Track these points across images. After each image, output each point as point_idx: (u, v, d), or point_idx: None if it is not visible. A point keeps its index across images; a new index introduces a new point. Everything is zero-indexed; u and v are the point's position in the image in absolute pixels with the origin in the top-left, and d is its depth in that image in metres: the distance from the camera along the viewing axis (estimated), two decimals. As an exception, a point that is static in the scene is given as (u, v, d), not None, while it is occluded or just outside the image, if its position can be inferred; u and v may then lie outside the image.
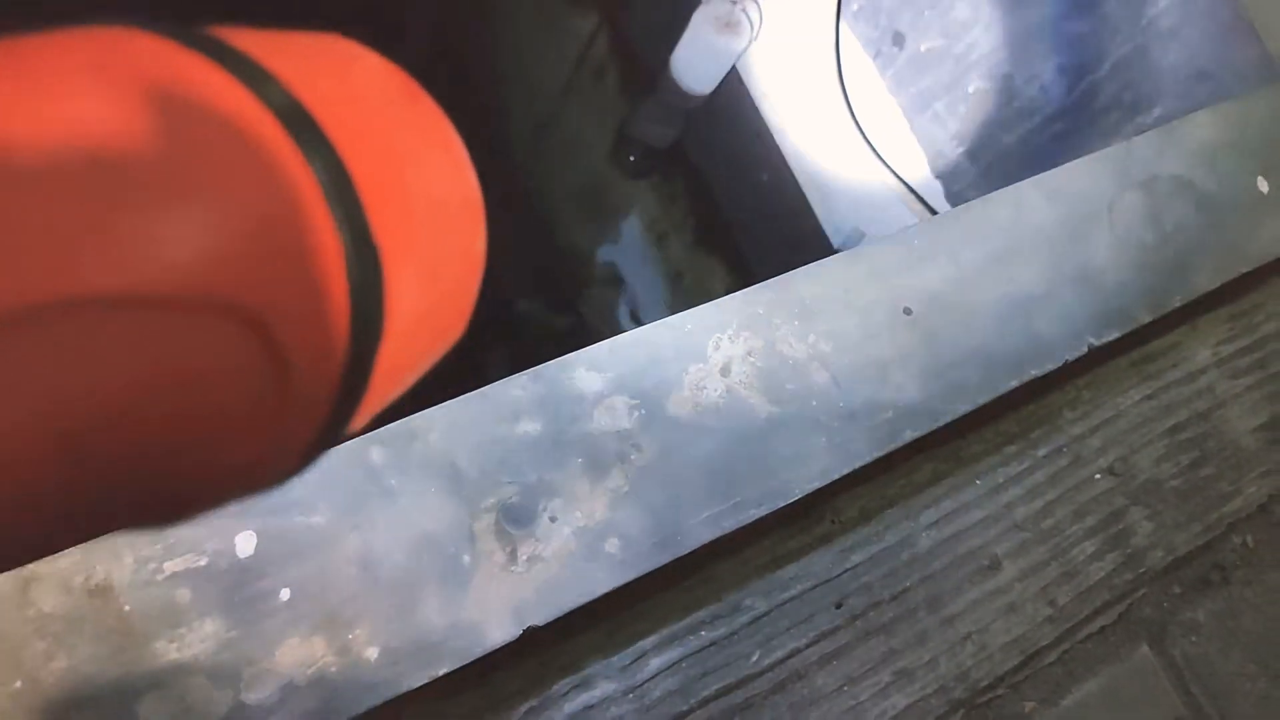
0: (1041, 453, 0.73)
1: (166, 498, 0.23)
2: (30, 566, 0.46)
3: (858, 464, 0.58)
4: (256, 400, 0.23)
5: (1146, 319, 0.67)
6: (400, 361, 0.27)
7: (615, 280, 1.58)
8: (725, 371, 0.58)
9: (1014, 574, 0.69)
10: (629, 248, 1.56)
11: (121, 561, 0.47)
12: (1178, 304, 0.68)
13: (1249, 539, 0.77)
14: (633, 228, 1.54)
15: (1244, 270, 0.71)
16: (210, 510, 0.24)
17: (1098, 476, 0.73)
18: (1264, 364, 0.81)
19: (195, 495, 0.24)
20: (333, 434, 0.25)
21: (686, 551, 0.54)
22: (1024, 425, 0.73)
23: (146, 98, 0.22)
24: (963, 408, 0.61)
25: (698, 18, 1.23)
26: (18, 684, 0.44)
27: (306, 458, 0.25)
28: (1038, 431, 0.73)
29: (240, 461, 0.23)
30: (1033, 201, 0.68)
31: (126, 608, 0.46)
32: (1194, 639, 0.73)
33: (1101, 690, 0.70)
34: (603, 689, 0.58)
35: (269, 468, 0.25)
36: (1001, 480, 0.71)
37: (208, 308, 0.21)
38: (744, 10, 1.20)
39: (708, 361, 0.58)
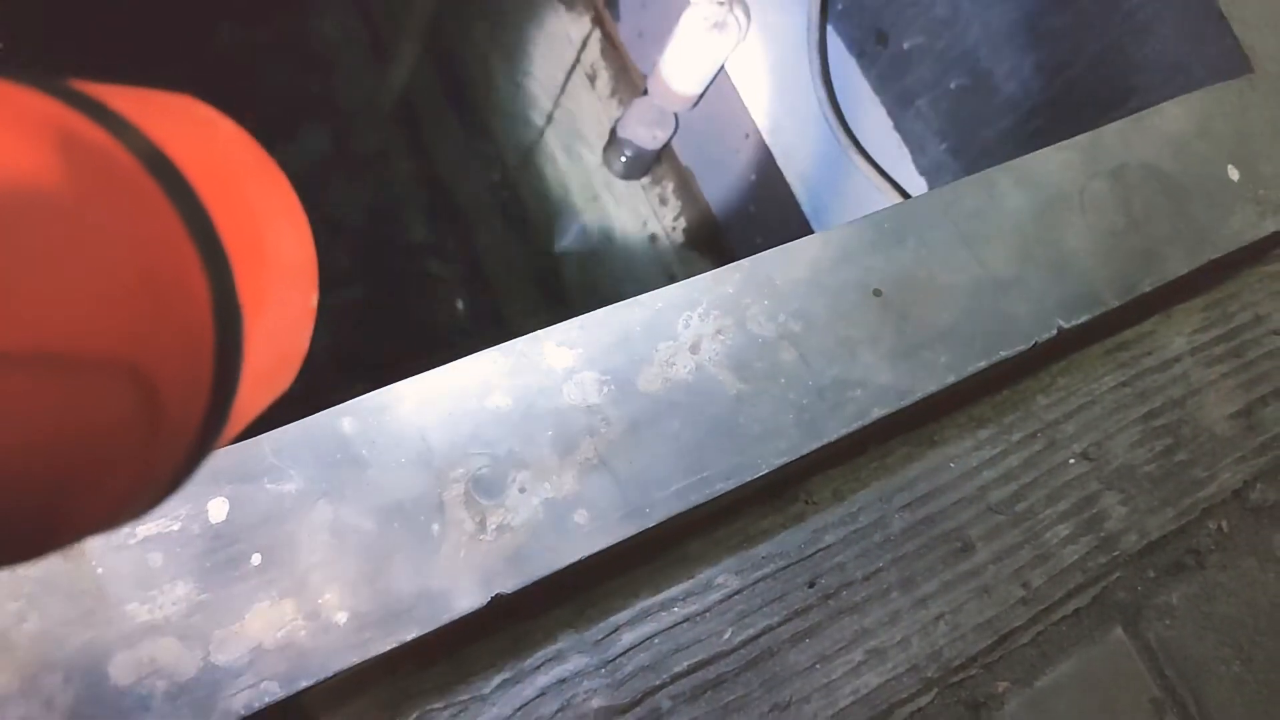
0: (1015, 437, 0.73)
1: (37, 535, 0.23)
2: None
3: (825, 441, 0.59)
4: (128, 442, 0.23)
5: (1115, 303, 0.68)
6: (244, 407, 0.28)
7: (607, 280, 1.59)
8: (695, 349, 0.59)
9: (987, 556, 0.70)
10: (621, 248, 1.57)
11: (95, 526, 0.47)
12: (1147, 289, 0.69)
13: (1224, 524, 0.77)
14: (625, 228, 1.55)
15: (1214, 256, 0.72)
16: (75, 541, 0.25)
17: (1072, 461, 0.74)
18: (1239, 352, 0.82)
19: (65, 531, 0.24)
20: (192, 468, 0.26)
21: (654, 524, 0.55)
22: (998, 410, 0.74)
23: (13, 147, 0.21)
24: (931, 387, 0.62)
25: (686, 20, 1.24)
26: (-10, 643, 0.45)
27: (170, 488, 0.26)
28: (1011, 416, 0.74)
29: (108, 497, 0.24)
30: (1003, 187, 0.69)
31: (99, 570, 0.47)
32: (1168, 622, 0.73)
33: (1075, 672, 0.70)
34: (575, 663, 0.59)
35: (135, 500, 0.25)
36: (975, 464, 0.72)
37: (81, 362, 0.21)
38: (731, 11, 1.22)
39: (677, 339, 0.59)
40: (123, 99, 0.25)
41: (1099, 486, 0.74)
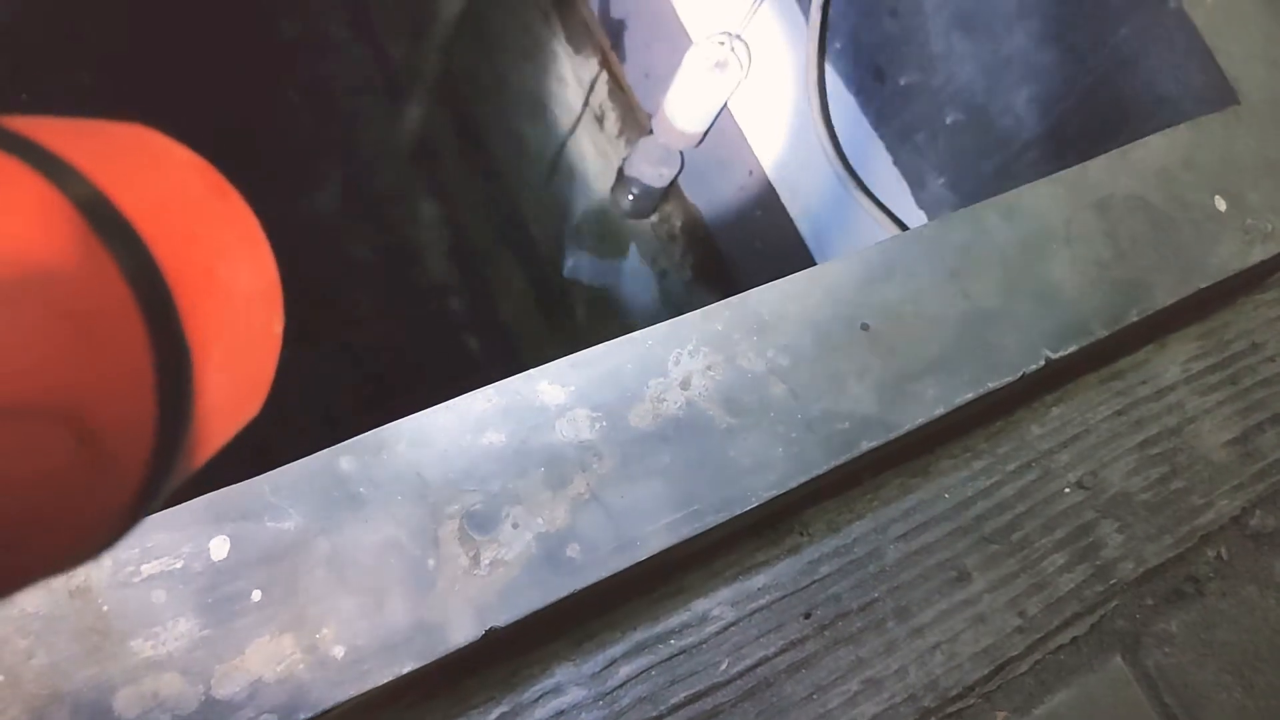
0: (1010, 467, 0.74)
1: None
2: (15, 569, 0.49)
3: (815, 473, 0.60)
4: (68, 489, 0.23)
5: (1103, 333, 0.69)
6: (207, 437, 0.28)
7: (616, 315, 1.61)
8: (685, 385, 0.60)
9: (983, 585, 0.70)
10: (630, 284, 1.59)
11: (101, 564, 0.49)
12: (1135, 318, 0.70)
13: (1223, 551, 0.78)
14: (633, 264, 1.57)
15: (1202, 286, 0.73)
16: (28, 586, 0.25)
17: (1067, 490, 0.75)
18: (1235, 380, 0.82)
19: (10, 575, 0.24)
20: (144, 509, 0.26)
21: (645, 556, 0.56)
22: (992, 441, 0.75)
23: None
24: (920, 419, 0.63)
25: (688, 60, 1.27)
26: (0, 678, 0.46)
27: (120, 530, 0.26)
28: (1005, 447, 0.75)
29: (53, 541, 0.24)
30: (990, 221, 0.70)
31: (105, 607, 0.49)
32: (1167, 650, 0.74)
33: (1074, 700, 0.71)
34: (573, 695, 0.60)
35: (85, 541, 0.25)
36: (970, 494, 0.73)
37: (16, 412, 0.21)
38: (732, 51, 1.24)
39: (668, 375, 0.60)
40: (62, 134, 0.25)
41: (1095, 515, 0.74)
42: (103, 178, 0.25)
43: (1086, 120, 0.91)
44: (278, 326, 0.32)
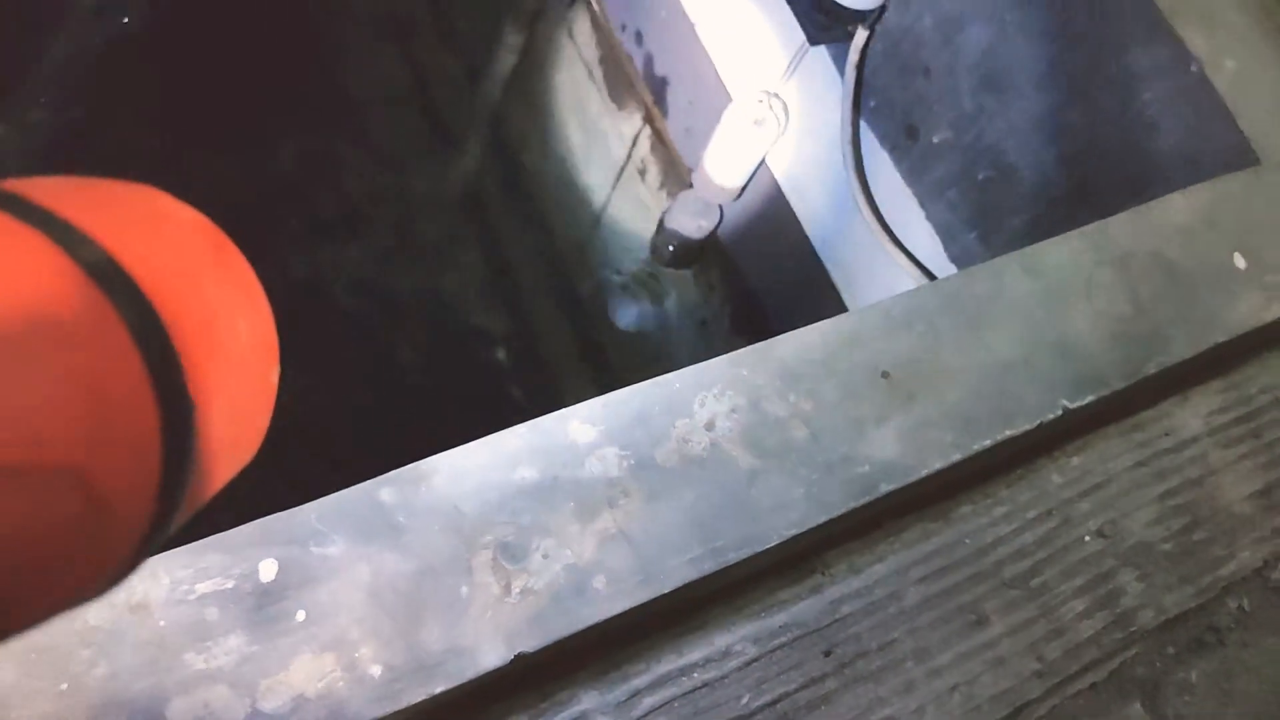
0: (1030, 514, 0.76)
1: None
2: (81, 585, 0.52)
3: (834, 514, 0.62)
4: (73, 541, 0.24)
5: (1120, 385, 0.71)
6: (206, 484, 0.29)
7: (656, 363, 1.64)
8: (710, 426, 0.63)
9: (1002, 629, 0.72)
10: (671, 333, 1.63)
11: (159, 582, 0.53)
12: (1153, 371, 0.72)
13: (1245, 602, 0.78)
14: (674, 314, 1.61)
15: (1220, 340, 0.75)
16: (33, 626, 0.25)
17: (1087, 538, 0.76)
18: (1258, 433, 0.83)
19: (16, 617, 0.24)
20: (146, 552, 0.27)
21: (669, 590, 0.59)
22: (1013, 489, 0.76)
23: None
24: (938, 464, 0.65)
25: (728, 117, 1.31)
26: (64, 686, 0.50)
27: (122, 573, 0.27)
28: (1026, 495, 0.76)
29: (59, 586, 0.25)
30: (1011, 274, 0.73)
31: (161, 623, 0.52)
32: (1187, 699, 0.74)
33: (1092, 746, 0.72)
34: (597, 723, 0.63)
35: (86, 588, 0.26)
36: (990, 540, 0.74)
37: (23, 472, 0.22)
38: (770, 109, 1.28)
39: (694, 417, 0.63)
40: (72, 197, 0.26)
41: (1115, 563, 0.76)
42: (110, 240, 0.25)
43: (1112, 178, 0.93)
44: (274, 376, 0.33)
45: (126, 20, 1.47)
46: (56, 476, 0.23)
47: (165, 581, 0.53)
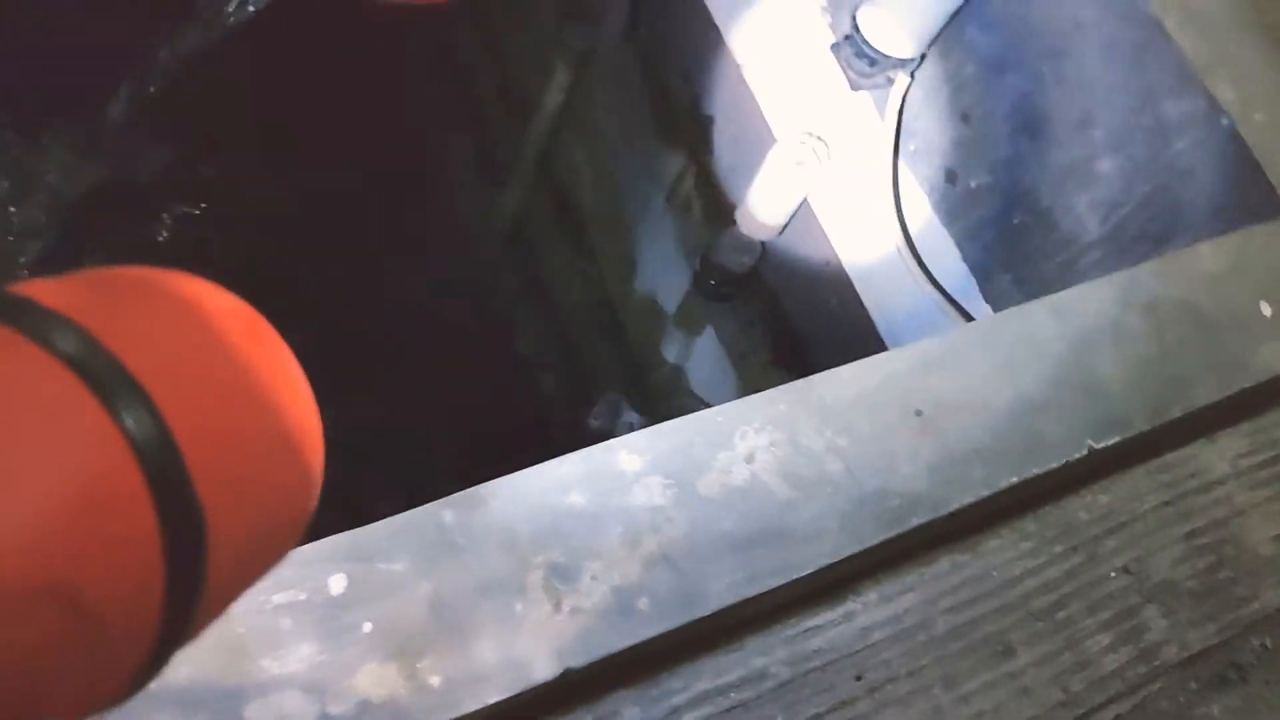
0: (1057, 550, 0.79)
1: None
2: (168, 593, 0.57)
3: (867, 544, 0.66)
4: (65, 658, 0.23)
5: (1145, 427, 0.74)
6: (228, 588, 0.28)
7: (696, 394, 1.68)
8: (750, 459, 0.67)
9: (1028, 660, 0.75)
10: (710, 365, 1.67)
11: (239, 593, 0.57)
12: (1178, 414, 0.75)
13: (1267, 641, 0.81)
14: (713, 347, 1.65)
15: (1245, 385, 0.77)
16: None
17: (1113, 574, 0.79)
18: (1284, 477, 0.86)
19: None
20: (158, 665, 0.26)
21: (709, 613, 0.63)
22: (1040, 525, 0.79)
23: None
24: (966, 499, 0.68)
25: (772, 156, 1.35)
26: (152, 685, 0.54)
27: (134, 685, 0.26)
28: (1053, 531, 0.79)
29: (54, 704, 0.24)
30: (1040, 318, 0.76)
31: (241, 630, 0.57)
32: (1210, 734, 0.77)
33: (1116, 776, 0.74)
34: (638, 737, 0.66)
35: (90, 703, 0.25)
36: (1018, 573, 0.77)
37: (7, 591, 0.21)
38: (813, 150, 1.32)
39: (734, 450, 0.67)
40: (80, 295, 0.25)
41: (1139, 600, 0.78)
42: (119, 338, 0.24)
43: (1143, 225, 0.96)
44: (317, 461, 0.31)
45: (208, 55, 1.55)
46: (40, 594, 0.21)
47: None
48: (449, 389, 1.97)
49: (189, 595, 0.25)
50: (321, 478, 0.32)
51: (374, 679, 0.57)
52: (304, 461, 0.31)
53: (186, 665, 0.55)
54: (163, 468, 0.24)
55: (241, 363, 0.29)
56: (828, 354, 1.40)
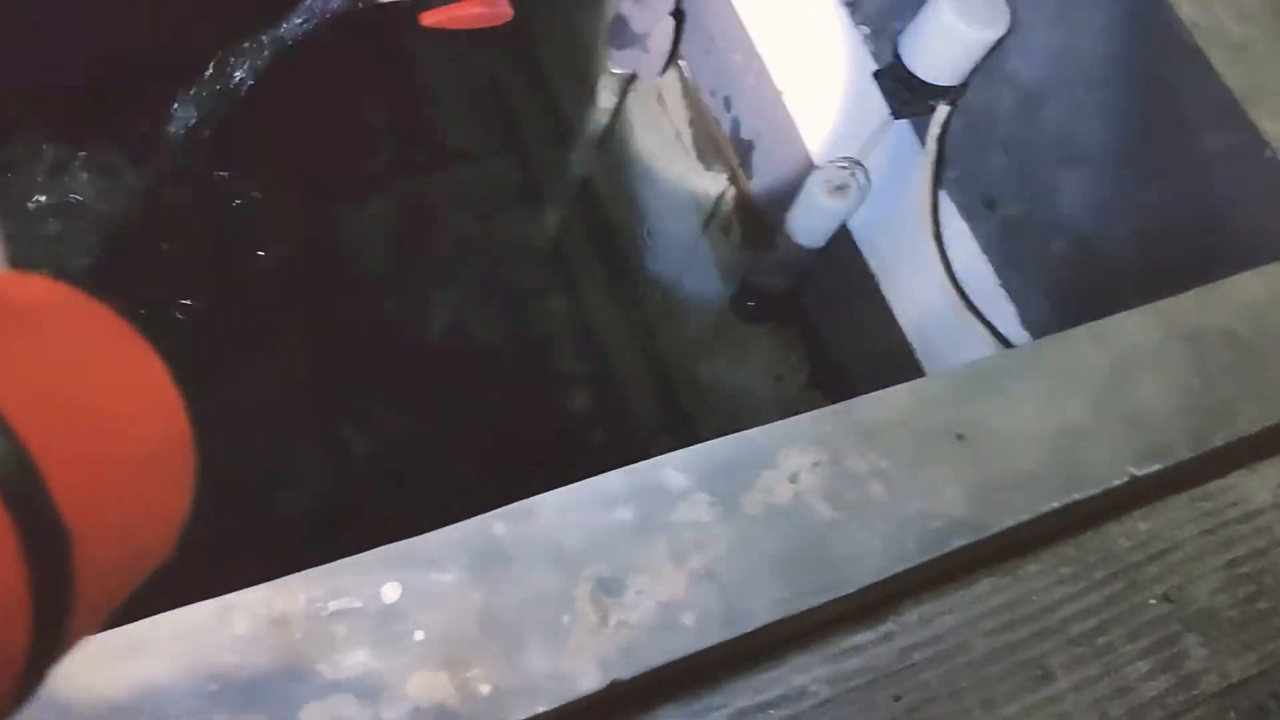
0: (1097, 576, 0.79)
1: None
2: (229, 597, 0.59)
3: (908, 565, 0.67)
4: None
5: (1187, 455, 0.74)
6: (100, 600, 0.27)
7: (733, 414, 1.69)
8: (793, 479, 0.68)
9: (1067, 685, 0.75)
10: (747, 387, 1.68)
11: (296, 599, 0.59)
12: (1219, 443, 0.75)
13: (1308, 672, 0.80)
14: (751, 368, 1.66)
15: (1288, 415, 0.78)
16: None
17: (1153, 602, 0.79)
18: (1326, 508, 0.86)
19: None
20: (32, 685, 0.25)
21: (751, 629, 0.64)
22: (1080, 550, 0.80)
23: None
24: (1007, 522, 0.69)
25: (811, 181, 1.37)
26: (213, 687, 0.56)
27: (12, 704, 0.25)
28: (1093, 557, 0.80)
29: None
30: (1081, 346, 0.77)
31: (298, 635, 0.58)
32: (1249, 763, 0.77)
33: (1155, 804, 0.74)
34: (680, 750, 0.67)
35: None
36: (1057, 598, 0.78)
37: None
38: (853, 175, 1.34)
39: (778, 469, 0.68)
40: None
41: (1180, 627, 0.78)
42: None
43: (1185, 255, 0.97)
44: (187, 464, 0.31)
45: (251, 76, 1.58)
46: None
47: (302, 599, 0.59)
48: (485, 407, 1.99)
49: (58, 614, 0.25)
50: (193, 481, 0.32)
51: (425, 686, 0.58)
52: (173, 468, 0.30)
53: (247, 668, 0.57)
54: (21, 489, 0.23)
55: (102, 373, 0.28)
56: (865, 378, 1.41)
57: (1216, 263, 0.90)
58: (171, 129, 1.74)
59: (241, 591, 0.59)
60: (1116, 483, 0.72)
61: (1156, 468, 0.74)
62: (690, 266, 1.80)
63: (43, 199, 1.89)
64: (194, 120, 1.71)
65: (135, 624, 0.58)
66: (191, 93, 1.68)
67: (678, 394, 1.90)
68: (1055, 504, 0.70)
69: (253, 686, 0.57)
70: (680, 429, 1.84)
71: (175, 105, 1.71)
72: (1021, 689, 0.74)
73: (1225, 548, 0.82)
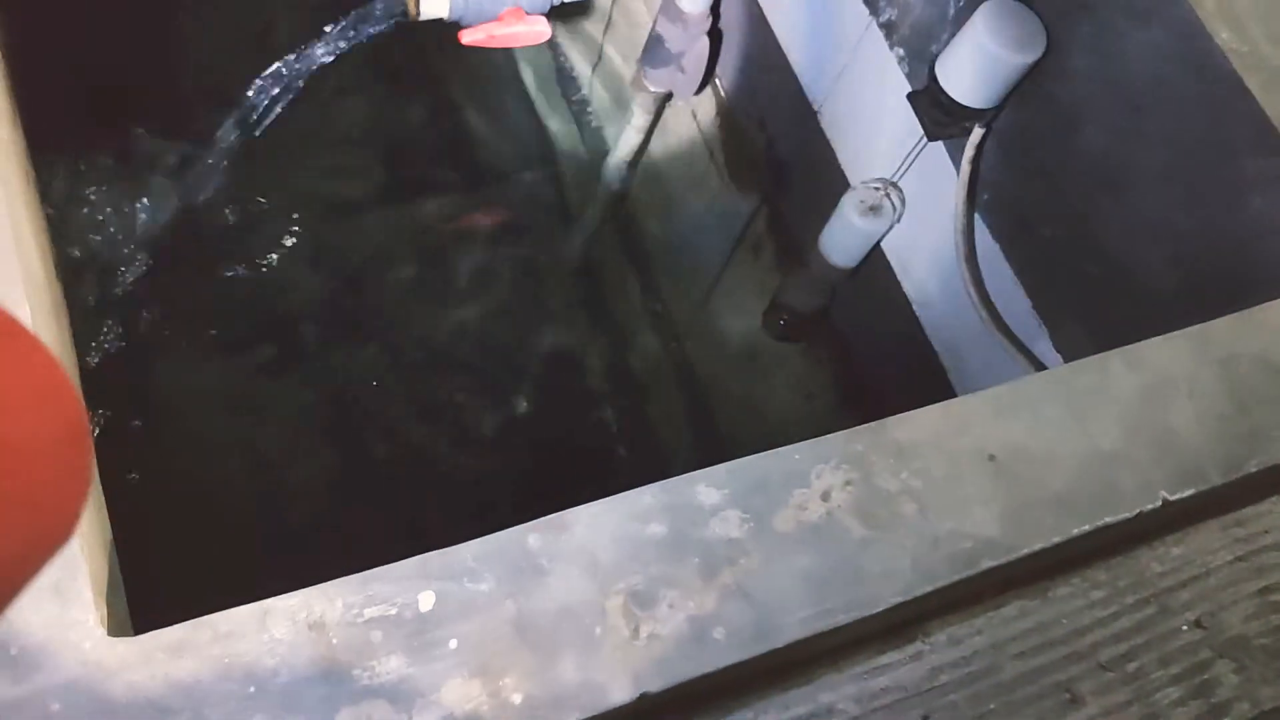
0: (1128, 600, 0.79)
1: None
2: (267, 602, 0.60)
3: (938, 585, 0.67)
4: None
5: (1220, 481, 0.74)
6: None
7: (763, 433, 1.70)
8: (826, 497, 0.69)
9: (1096, 710, 0.75)
10: (777, 406, 1.68)
11: (334, 605, 0.60)
12: (1254, 469, 0.75)
13: (1342, 702, 0.80)
14: (781, 387, 1.67)
15: (1323, 442, 0.77)
16: None
17: (1184, 628, 0.79)
18: (1362, 537, 0.85)
19: None
20: None
21: (781, 645, 0.64)
22: (1111, 575, 0.79)
23: None
24: (1037, 544, 0.69)
25: (845, 201, 1.37)
26: (251, 689, 0.57)
27: None
28: (1124, 581, 0.79)
29: None
30: (1115, 369, 0.77)
31: (334, 640, 0.59)
32: (1280, 791, 0.76)
33: (1184, 831, 0.74)
34: (708, 766, 0.68)
35: None
36: (1087, 622, 0.77)
37: None
38: (887, 196, 1.34)
39: (810, 487, 0.69)
40: None
41: (1211, 654, 0.78)
42: None
43: (1220, 281, 0.97)
44: (83, 458, 0.31)
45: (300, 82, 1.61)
46: None
47: (339, 605, 0.60)
48: (514, 421, 2.01)
49: None
50: (90, 470, 0.32)
51: (459, 694, 0.59)
52: (68, 458, 0.30)
53: (285, 671, 0.58)
54: None
55: None
56: (896, 398, 1.41)
57: (1252, 288, 0.90)
58: (213, 147, 1.77)
59: (280, 596, 0.60)
60: (1149, 507, 0.72)
61: (1189, 493, 0.74)
62: (721, 285, 1.81)
63: (89, 207, 1.93)
64: (235, 138, 1.74)
65: (176, 626, 0.59)
66: (234, 112, 1.71)
67: (708, 412, 1.90)
68: (1086, 527, 0.70)
69: (290, 690, 0.58)
70: (710, 447, 1.84)
71: (219, 124, 1.74)
72: (1050, 713, 0.74)
73: (1258, 575, 0.82)
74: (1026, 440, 0.73)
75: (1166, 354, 0.78)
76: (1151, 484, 0.73)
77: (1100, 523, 0.71)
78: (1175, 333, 0.80)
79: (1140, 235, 1.06)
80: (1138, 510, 0.72)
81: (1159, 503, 0.73)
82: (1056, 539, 0.69)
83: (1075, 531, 0.70)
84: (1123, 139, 1.06)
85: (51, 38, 1.58)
